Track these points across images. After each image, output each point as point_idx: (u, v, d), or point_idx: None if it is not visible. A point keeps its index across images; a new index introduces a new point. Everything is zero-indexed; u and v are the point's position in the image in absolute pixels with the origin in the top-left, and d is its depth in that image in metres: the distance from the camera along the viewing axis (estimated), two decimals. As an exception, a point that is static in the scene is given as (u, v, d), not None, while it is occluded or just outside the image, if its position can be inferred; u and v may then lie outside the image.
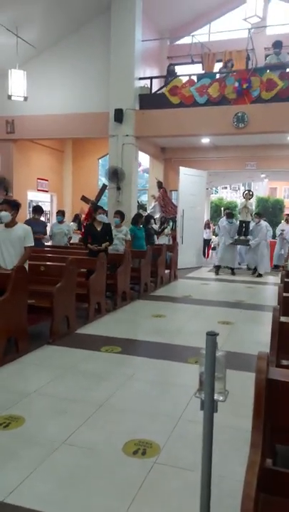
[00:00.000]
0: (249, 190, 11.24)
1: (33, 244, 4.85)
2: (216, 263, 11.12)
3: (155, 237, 10.02)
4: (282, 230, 11.81)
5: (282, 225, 12.23)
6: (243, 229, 10.76)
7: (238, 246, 11.26)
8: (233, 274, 10.80)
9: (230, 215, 11.09)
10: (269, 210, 20.96)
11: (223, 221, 11.10)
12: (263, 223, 10.92)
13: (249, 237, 10.72)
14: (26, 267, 4.72)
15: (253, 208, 11.62)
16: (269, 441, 2.00)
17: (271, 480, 1.53)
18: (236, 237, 10.72)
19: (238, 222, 10.88)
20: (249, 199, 10.95)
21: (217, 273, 10.77)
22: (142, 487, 2.27)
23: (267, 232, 10.99)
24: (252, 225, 10.82)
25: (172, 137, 10.54)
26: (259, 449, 1.46)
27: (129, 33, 9.66)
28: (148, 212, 12.17)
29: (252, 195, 11.43)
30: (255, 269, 10.90)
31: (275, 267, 11.90)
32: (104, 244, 6.38)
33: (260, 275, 10.71)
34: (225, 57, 11.00)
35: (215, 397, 1.59)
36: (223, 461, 2.49)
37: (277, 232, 12.12)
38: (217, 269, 10.92)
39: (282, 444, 2.18)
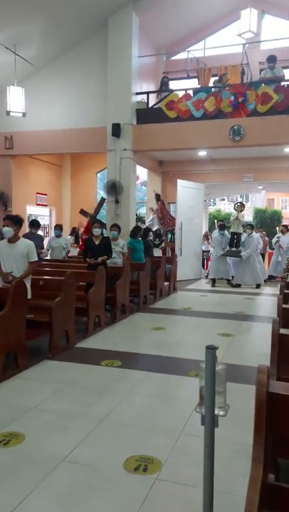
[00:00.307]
0: (241, 203, 11.22)
1: (37, 259, 4.90)
2: (210, 276, 11.07)
3: (154, 249, 10.06)
4: (278, 237, 11.76)
5: (278, 235, 12.18)
6: (235, 240, 10.73)
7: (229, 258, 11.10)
8: (230, 285, 10.77)
9: (222, 227, 11.09)
10: (267, 221, 21.06)
11: (215, 233, 11.15)
12: (255, 235, 10.92)
13: (240, 248, 10.66)
14: (29, 282, 4.72)
15: (245, 219, 11.68)
16: (271, 455, 1.99)
17: (274, 496, 1.52)
18: (227, 248, 10.72)
19: (230, 233, 10.85)
20: (241, 211, 10.97)
21: (213, 285, 10.73)
22: (143, 504, 2.24)
23: (258, 245, 10.96)
24: (244, 236, 10.78)
25: (170, 151, 10.64)
26: (261, 464, 1.45)
27: (125, 49, 9.82)
28: (146, 224, 12.22)
29: (243, 207, 11.40)
30: (238, 285, 10.76)
31: (270, 278, 11.88)
32: (100, 258, 6.38)
33: (258, 286, 10.68)
34: (220, 72, 11.17)
35: (216, 412, 1.58)
36: (226, 477, 2.46)
37: (274, 240, 12.08)
38: (213, 281, 10.89)
39: (284, 458, 2.16)
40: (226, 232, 10.95)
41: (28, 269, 4.71)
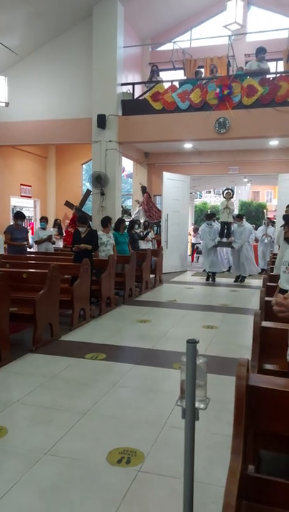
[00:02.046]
0: (230, 189, 10.63)
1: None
2: (206, 270, 10.47)
3: (140, 241, 10.04)
4: (264, 235, 11.84)
5: (263, 228, 12.24)
6: (225, 230, 10.33)
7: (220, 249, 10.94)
8: (213, 280, 10.36)
9: (209, 217, 10.69)
10: (252, 214, 21.21)
11: (203, 224, 10.81)
12: (247, 225, 10.80)
13: (232, 238, 10.32)
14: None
15: (234, 207, 11.11)
16: (252, 447, 2.01)
17: (253, 487, 1.53)
18: (218, 239, 10.33)
19: (220, 223, 10.50)
20: (230, 198, 10.50)
21: (213, 280, 10.31)
22: (126, 496, 2.25)
23: (250, 235, 10.76)
24: (235, 226, 10.41)
25: (155, 142, 10.58)
26: (240, 456, 1.46)
27: (110, 39, 9.69)
28: (132, 217, 12.18)
29: (232, 194, 10.87)
30: (239, 276, 10.39)
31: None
32: (83, 245, 6.36)
33: (243, 279, 10.34)
34: (206, 63, 11.12)
35: (196, 405, 1.59)
36: (208, 468, 2.49)
37: (259, 234, 12.09)
38: (209, 276, 10.39)
39: (265, 449, 2.19)
40: (214, 222, 10.61)
41: None
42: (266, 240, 11.71)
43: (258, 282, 10.27)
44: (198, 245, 14.10)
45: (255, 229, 12.94)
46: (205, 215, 10.86)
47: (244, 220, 10.66)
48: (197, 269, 12.55)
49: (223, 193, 10.66)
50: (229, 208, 10.27)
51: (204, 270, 10.69)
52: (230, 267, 11.94)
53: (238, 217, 10.55)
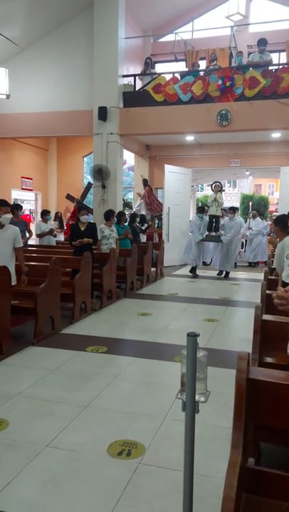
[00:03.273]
0: (218, 182, 10.22)
1: (22, 245, 4.87)
2: (189, 263, 10.16)
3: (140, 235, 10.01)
4: (250, 228, 11.86)
5: (250, 221, 12.23)
6: (214, 224, 9.96)
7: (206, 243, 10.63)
8: (195, 275, 9.96)
9: (200, 210, 10.34)
10: (254, 207, 21.11)
11: (194, 217, 10.38)
12: (238, 219, 10.74)
13: (221, 232, 9.93)
14: (13, 268, 4.66)
15: (223, 200, 10.53)
16: (252, 439, 2.02)
17: (253, 479, 1.54)
18: (206, 233, 9.95)
19: (208, 216, 10.12)
20: (218, 191, 10.10)
21: (195, 275, 9.96)
22: (126, 488, 2.26)
23: (240, 229, 10.57)
24: (225, 219, 10.09)
25: (157, 135, 10.53)
26: (240, 449, 1.46)
27: (112, 30, 9.60)
28: (134, 210, 12.15)
29: (221, 187, 10.39)
30: (222, 272, 10.10)
31: (251, 264, 12.03)
32: (86, 239, 6.38)
33: (227, 275, 9.99)
34: (208, 54, 11.02)
35: (196, 398, 1.58)
36: (208, 460, 2.50)
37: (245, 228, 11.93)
38: (193, 270, 10.00)
39: (265, 442, 2.19)
40: (205, 216, 10.22)
41: (21, 256, 4.76)
42: (248, 233, 11.72)
43: (258, 275, 10.28)
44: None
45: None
46: (197, 207, 10.48)
47: (237, 213, 10.37)
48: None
49: (211, 186, 10.36)
50: (218, 201, 9.97)
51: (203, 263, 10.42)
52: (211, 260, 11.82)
53: (231, 210, 10.23)
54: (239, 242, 10.56)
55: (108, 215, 7.48)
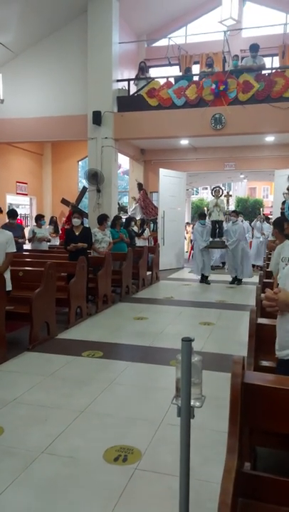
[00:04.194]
0: (219, 187, 10.03)
1: (15, 250, 4.79)
2: (197, 273, 9.76)
3: (136, 238, 10.01)
4: (262, 234, 11.83)
5: (259, 225, 12.21)
6: (217, 230, 9.71)
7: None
8: (207, 282, 9.59)
9: (202, 216, 9.97)
10: (249, 210, 21.21)
11: (196, 223, 10.03)
12: (244, 223, 10.60)
13: (224, 238, 9.65)
14: (8, 273, 4.64)
15: (225, 205, 10.23)
16: (248, 444, 2.01)
17: (249, 484, 1.53)
18: (210, 239, 9.65)
19: (211, 222, 9.83)
20: (219, 196, 9.94)
21: (207, 282, 9.56)
22: (122, 495, 2.25)
23: (246, 232, 10.43)
24: (228, 225, 9.80)
25: (151, 139, 10.56)
26: (235, 455, 1.46)
27: (106, 35, 9.64)
28: (129, 214, 12.16)
29: (222, 191, 10.12)
30: (235, 278, 9.62)
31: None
32: (80, 244, 6.37)
33: (240, 282, 9.57)
34: (202, 59, 11.08)
35: (191, 404, 1.58)
36: (204, 465, 2.49)
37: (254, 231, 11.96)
38: (205, 279, 9.62)
39: (262, 446, 2.19)
40: (207, 222, 9.96)
41: (7, 260, 4.62)
42: (262, 238, 11.68)
43: (254, 279, 10.29)
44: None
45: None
46: (198, 214, 10.06)
47: (239, 217, 10.08)
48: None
49: (212, 191, 10.14)
50: (219, 205, 9.78)
51: (191, 271, 9.98)
52: (223, 263, 11.67)
53: (233, 213, 9.96)
54: (247, 246, 10.11)
55: (101, 220, 7.50)
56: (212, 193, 10.12)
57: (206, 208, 13.05)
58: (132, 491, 2.29)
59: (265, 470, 2.18)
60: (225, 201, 10.44)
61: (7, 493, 2.25)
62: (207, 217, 10.07)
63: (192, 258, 10.27)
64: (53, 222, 11.05)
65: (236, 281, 9.61)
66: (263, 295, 1.82)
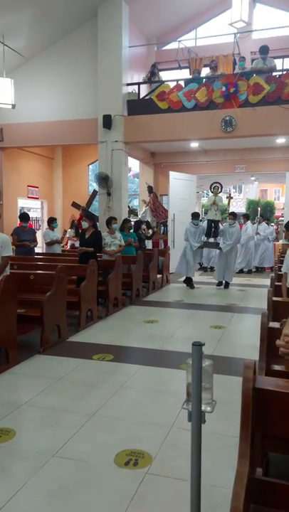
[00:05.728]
0: (218, 183, 9.36)
1: (10, 254, 4.69)
2: (184, 274, 9.35)
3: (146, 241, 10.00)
4: (257, 234, 11.87)
5: (257, 226, 12.23)
6: (212, 229, 9.16)
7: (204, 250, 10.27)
8: (192, 287, 9.18)
9: (194, 216, 9.40)
10: (261, 213, 21.07)
11: (188, 223, 9.42)
12: (248, 225, 10.64)
13: (219, 238, 9.22)
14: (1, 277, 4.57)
15: (223, 203, 9.66)
16: (260, 449, 1.99)
17: (261, 490, 1.51)
18: (204, 239, 9.20)
19: (206, 221, 9.44)
20: (217, 193, 9.32)
21: (192, 286, 9.15)
22: (133, 499, 2.24)
23: (243, 236, 10.35)
24: (225, 225, 9.42)
25: (161, 142, 10.57)
26: (247, 460, 1.45)
27: (116, 39, 9.69)
28: (139, 217, 12.17)
29: (221, 188, 9.46)
30: (221, 282, 9.29)
31: (258, 269, 12.08)
32: (85, 248, 6.45)
33: (227, 285, 9.25)
34: (209, 61, 11.07)
35: (202, 408, 1.57)
36: (216, 470, 2.47)
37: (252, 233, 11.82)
38: (189, 282, 9.20)
39: (273, 451, 2.16)
40: (201, 222, 9.65)
41: (2, 264, 4.49)
42: (256, 239, 11.74)
43: (266, 282, 10.22)
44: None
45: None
46: (191, 214, 9.55)
47: (236, 220, 9.67)
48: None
49: (210, 188, 9.44)
50: (217, 204, 9.20)
51: (184, 279, 9.42)
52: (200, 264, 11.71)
53: (231, 215, 9.43)
54: (237, 250, 9.99)
55: (107, 223, 7.53)
56: (211, 190, 9.48)
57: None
58: (143, 495, 2.28)
59: (277, 476, 2.16)
60: (224, 200, 9.95)
61: (19, 496, 2.26)
62: (203, 215, 10.00)
63: (180, 258, 9.69)
64: (75, 225, 11.11)
65: (224, 284, 9.29)
66: (278, 342, 1.72)
